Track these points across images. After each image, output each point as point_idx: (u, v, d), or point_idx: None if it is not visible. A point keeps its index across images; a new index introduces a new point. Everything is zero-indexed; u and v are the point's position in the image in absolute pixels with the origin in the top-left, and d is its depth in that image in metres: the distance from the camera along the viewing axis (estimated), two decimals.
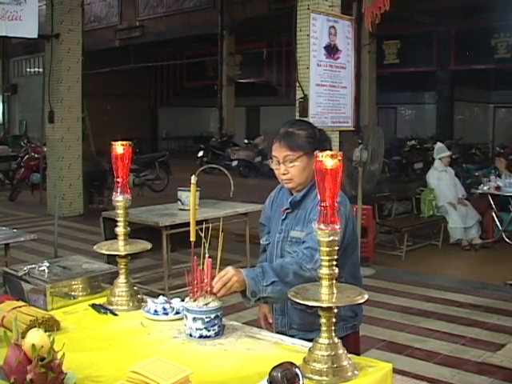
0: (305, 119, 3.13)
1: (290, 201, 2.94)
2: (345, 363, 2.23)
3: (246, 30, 22.84)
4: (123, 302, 2.95)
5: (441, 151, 10.19)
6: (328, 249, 2.21)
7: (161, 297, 2.94)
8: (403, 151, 19.23)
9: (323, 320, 2.25)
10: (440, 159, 10.01)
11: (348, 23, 8.80)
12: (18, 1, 10.06)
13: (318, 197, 2.18)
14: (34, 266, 3.15)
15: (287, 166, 2.85)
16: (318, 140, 2.88)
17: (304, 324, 2.94)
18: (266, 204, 3.24)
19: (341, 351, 2.25)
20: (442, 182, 9.80)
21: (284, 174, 2.87)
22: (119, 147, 2.98)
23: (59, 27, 12.37)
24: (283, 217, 2.99)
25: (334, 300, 2.22)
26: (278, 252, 3.03)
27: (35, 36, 10.89)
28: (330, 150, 2.47)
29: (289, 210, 2.96)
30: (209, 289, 2.56)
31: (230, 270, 2.58)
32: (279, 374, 2.02)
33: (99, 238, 5.96)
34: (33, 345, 2.02)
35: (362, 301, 2.25)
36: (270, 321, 3.21)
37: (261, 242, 3.26)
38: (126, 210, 3.02)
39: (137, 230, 3.68)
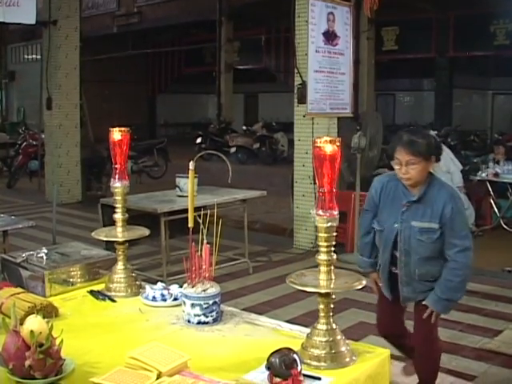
0: (423, 129, 3.96)
1: (412, 197, 3.54)
2: (343, 349, 2.24)
3: (244, 17, 22.73)
4: (121, 288, 2.96)
5: None
6: (326, 235, 2.21)
7: (159, 283, 2.95)
8: None
9: (321, 306, 2.26)
10: None
11: (347, 9, 8.76)
12: None
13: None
14: (32, 252, 3.15)
15: (408, 168, 3.46)
16: (433, 147, 3.56)
17: (424, 287, 3.61)
18: (372, 193, 3.76)
19: (339, 337, 2.26)
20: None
21: (404, 174, 3.48)
22: (117, 134, 2.98)
23: (57, 13, 12.31)
24: (404, 209, 3.56)
25: (332, 286, 2.23)
26: (401, 238, 3.58)
27: (33, 22, 10.83)
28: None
29: (408, 204, 3.54)
30: (207, 275, 2.57)
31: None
32: (277, 360, 2.03)
33: (97, 225, 5.96)
34: (31, 331, 2.02)
35: (359, 286, 2.26)
36: (380, 284, 3.87)
37: (363, 224, 3.88)
38: (124, 197, 3.02)
39: (135, 217, 3.68)
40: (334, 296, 2.25)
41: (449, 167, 9.84)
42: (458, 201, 3.57)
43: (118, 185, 3.01)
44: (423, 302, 3.60)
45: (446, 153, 10.10)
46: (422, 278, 3.60)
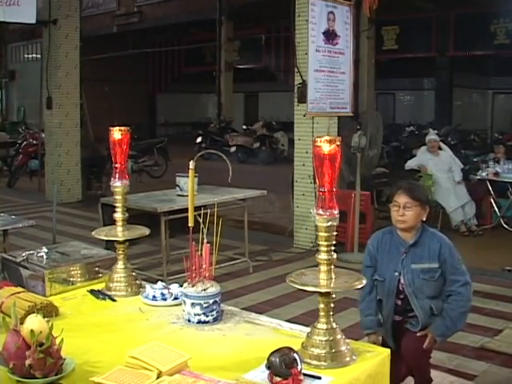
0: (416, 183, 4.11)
1: (409, 242, 3.72)
2: (343, 348, 2.24)
3: (244, 16, 22.73)
4: (122, 287, 2.96)
5: (428, 135, 10.15)
6: (326, 234, 2.21)
7: (159, 282, 2.95)
8: (402, 137, 19.20)
9: (321, 305, 2.25)
10: (428, 143, 9.95)
11: (347, 9, 8.76)
12: None
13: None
14: (32, 252, 3.15)
15: (405, 211, 3.66)
16: (428, 197, 3.83)
17: (431, 320, 3.74)
18: (369, 249, 3.89)
19: (339, 336, 2.25)
20: (431, 168, 9.74)
21: (400, 216, 3.68)
22: (117, 133, 2.98)
23: (57, 13, 12.30)
24: (403, 256, 3.72)
25: (332, 285, 2.23)
26: (405, 282, 3.72)
27: (33, 21, 10.84)
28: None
29: (407, 250, 3.72)
30: (207, 274, 2.57)
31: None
32: (277, 360, 2.03)
33: (97, 224, 5.96)
34: (31, 330, 2.02)
35: (359, 286, 2.26)
36: (380, 338, 3.92)
37: (366, 281, 3.62)
38: (124, 196, 3.02)
39: (135, 216, 3.69)
40: (334, 295, 2.25)
41: (450, 165, 9.85)
42: (450, 242, 3.77)
43: (118, 184, 3.01)
44: (427, 329, 3.71)
45: (447, 151, 10.11)
46: (437, 312, 3.72)
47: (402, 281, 3.71)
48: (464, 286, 3.67)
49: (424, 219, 3.75)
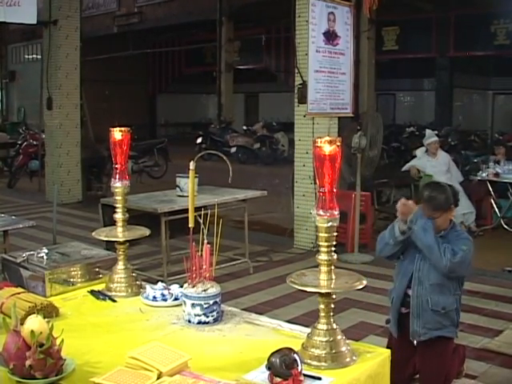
0: (441, 183, 4.14)
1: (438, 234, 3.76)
2: (343, 349, 2.24)
3: (244, 16, 22.75)
4: (122, 288, 2.96)
5: (428, 137, 10.11)
6: (327, 235, 2.21)
7: (159, 283, 2.95)
8: (402, 138, 19.21)
9: (321, 306, 2.25)
10: (428, 145, 9.94)
11: (347, 9, 8.76)
12: None
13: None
14: (32, 252, 3.15)
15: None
16: (451, 198, 3.84)
17: (435, 323, 3.78)
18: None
19: (339, 337, 2.25)
20: (430, 170, 9.74)
21: None
22: (117, 134, 2.98)
23: (57, 13, 12.30)
24: None
25: (332, 286, 2.23)
26: (416, 266, 3.82)
27: (34, 22, 10.84)
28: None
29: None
30: (207, 275, 2.57)
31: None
32: (278, 360, 2.03)
33: (98, 225, 5.96)
34: (32, 331, 2.02)
35: (360, 287, 2.26)
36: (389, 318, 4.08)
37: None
38: (124, 197, 3.02)
39: (135, 217, 3.68)
40: (334, 296, 2.25)
41: (448, 165, 9.86)
42: (470, 247, 3.78)
43: (118, 185, 3.01)
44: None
45: (445, 155, 10.11)
46: (434, 307, 3.75)
47: (415, 266, 3.81)
48: (456, 253, 3.66)
49: (452, 217, 3.86)
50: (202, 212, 2.63)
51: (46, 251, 3.15)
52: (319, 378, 2.10)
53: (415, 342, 3.84)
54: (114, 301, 2.90)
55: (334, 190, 2.19)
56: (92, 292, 2.98)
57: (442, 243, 3.68)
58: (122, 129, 2.99)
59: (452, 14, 21.03)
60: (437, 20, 21.73)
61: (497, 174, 9.39)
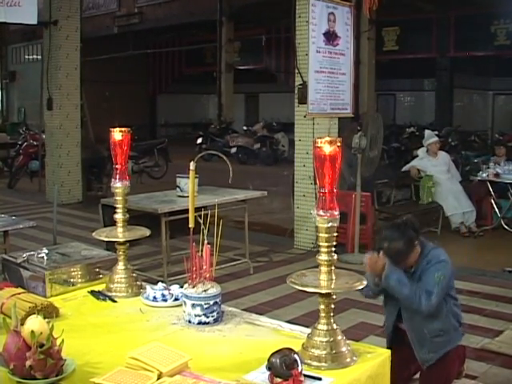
0: (398, 224, 3.81)
1: (409, 272, 3.71)
2: (343, 349, 2.24)
3: (245, 17, 22.74)
4: (122, 288, 2.96)
5: (428, 137, 10.12)
6: (327, 235, 2.21)
7: (160, 283, 2.95)
8: (402, 138, 19.20)
9: (322, 306, 2.25)
10: (428, 146, 9.94)
11: (347, 10, 8.76)
12: None
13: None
14: (33, 252, 3.15)
15: None
16: (412, 235, 3.65)
17: (438, 345, 3.74)
18: None
19: (339, 337, 2.25)
20: (431, 170, 9.75)
21: None
22: (118, 134, 2.98)
23: (57, 14, 12.30)
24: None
25: (332, 286, 2.23)
26: (403, 305, 3.75)
27: (34, 22, 10.84)
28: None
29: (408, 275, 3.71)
30: (207, 275, 2.57)
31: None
32: (278, 360, 2.03)
33: (98, 225, 5.95)
34: (32, 331, 2.02)
35: (360, 287, 2.26)
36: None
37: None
38: (124, 197, 3.02)
39: (136, 217, 3.68)
40: (334, 296, 2.25)
41: (449, 165, 9.87)
42: (445, 263, 3.69)
43: (118, 185, 3.01)
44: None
45: (445, 154, 10.12)
46: (432, 334, 3.72)
47: (402, 305, 3.74)
48: (428, 292, 3.57)
49: (419, 252, 3.69)
50: (203, 212, 2.63)
51: (47, 251, 3.15)
52: (319, 379, 2.10)
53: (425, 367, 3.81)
54: (115, 301, 2.90)
55: (335, 191, 2.19)
56: (92, 292, 2.99)
57: (416, 287, 3.59)
58: (122, 129, 2.99)
59: (452, 14, 21.03)
60: (437, 20, 21.73)
61: (497, 175, 9.38)
